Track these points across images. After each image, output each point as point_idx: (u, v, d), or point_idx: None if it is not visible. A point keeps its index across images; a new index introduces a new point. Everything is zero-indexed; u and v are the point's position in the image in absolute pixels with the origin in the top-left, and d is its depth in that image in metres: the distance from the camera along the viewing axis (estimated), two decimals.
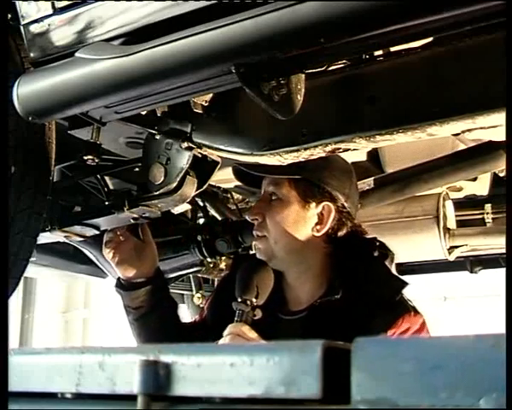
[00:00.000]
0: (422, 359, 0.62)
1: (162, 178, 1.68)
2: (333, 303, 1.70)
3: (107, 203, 1.93)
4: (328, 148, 1.57)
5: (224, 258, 2.45)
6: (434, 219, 2.40)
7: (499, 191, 2.47)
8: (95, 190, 2.01)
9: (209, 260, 2.45)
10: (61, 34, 1.47)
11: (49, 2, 1.46)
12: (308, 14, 1.11)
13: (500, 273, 2.67)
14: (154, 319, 1.89)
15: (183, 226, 2.54)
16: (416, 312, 1.71)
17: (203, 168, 1.75)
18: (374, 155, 2.43)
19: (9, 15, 1.56)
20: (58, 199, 2.00)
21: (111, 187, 2.11)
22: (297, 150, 1.60)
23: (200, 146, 1.71)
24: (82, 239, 2.08)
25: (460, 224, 2.55)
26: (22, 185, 1.60)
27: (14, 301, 5.64)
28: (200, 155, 1.72)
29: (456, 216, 2.53)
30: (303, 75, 1.34)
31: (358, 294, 1.70)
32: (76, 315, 6.60)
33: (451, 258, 2.50)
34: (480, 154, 2.01)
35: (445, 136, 1.53)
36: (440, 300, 5.21)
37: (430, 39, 1.41)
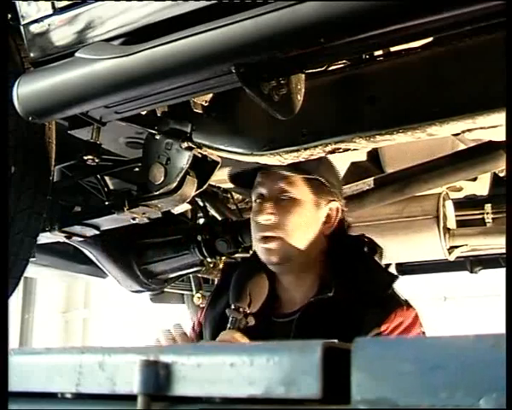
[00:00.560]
0: (422, 359, 0.62)
1: (162, 178, 1.68)
2: (326, 301, 1.69)
3: (107, 203, 1.93)
4: (328, 148, 1.57)
5: (223, 258, 2.44)
6: (434, 219, 2.40)
7: (499, 191, 2.47)
8: (95, 190, 2.01)
9: (209, 260, 2.45)
10: (61, 34, 1.47)
11: (49, 2, 1.46)
12: (308, 14, 1.11)
13: (500, 273, 2.67)
14: None
15: (183, 226, 2.54)
16: (409, 306, 1.71)
17: (203, 168, 1.75)
18: (374, 155, 2.44)
19: (9, 15, 1.56)
20: (58, 199, 2.01)
21: (111, 187, 2.11)
22: (297, 150, 1.60)
23: (200, 146, 1.71)
24: (82, 239, 2.09)
25: (460, 224, 2.55)
26: (22, 185, 1.60)
27: (14, 301, 5.64)
28: (200, 155, 1.72)
29: (456, 216, 2.53)
30: (303, 75, 1.34)
31: (351, 290, 1.69)
32: (76, 315, 6.60)
33: (451, 258, 2.50)
34: (480, 154, 2.01)
35: (445, 136, 1.53)
36: (440, 300, 5.21)
37: (430, 39, 1.41)
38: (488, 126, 1.40)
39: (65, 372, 0.83)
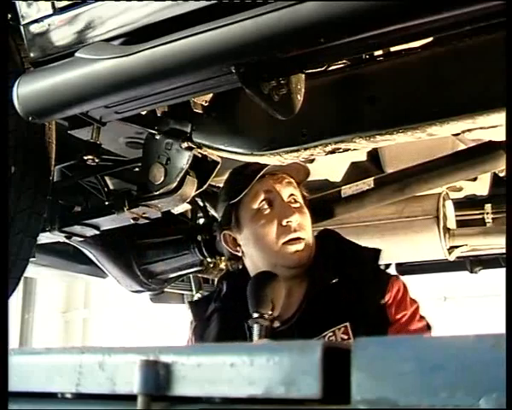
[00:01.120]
0: (422, 359, 0.62)
1: (162, 178, 1.68)
2: (324, 290, 1.71)
3: (107, 203, 1.93)
4: (328, 148, 1.57)
5: (223, 258, 2.44)
6: (434, 219, 2.40)
7: (499, 191, 2.47)
8: (95, 190, 2.02)
9: (209, 260, 2.45)
10: (61, 34, 1.47)
11: (49, 2, 1.46)
12: (308, 14, 1.11)
13: (500, 273, 2.67)
14: None
15: (183, 226, 2.54)
16: (396, 276, 1.82)
17: (203, 168, 1.75)
18: (374, 155, 2.43)
19: (9, 15, 1.56)
20: (58, 199, 2.01)
21: (111, 187, 2.11)
22: (297, 150, 1.60)
23: (200, 146, 1.71)
24: (82, 239, 2.09)
25: (460, 224, 2.55)
26: (22, 185, 1.61)
27: (14, 301, 5.63)
28: (200, 155, 1.72)
29: (456, 216, 2.53)
30: (303, 75, 1.35)
31: (343, 273, 1.72)
32: (76, 315, 6.60)
33: (451, 258, 2.50)
34: (480, 154, 2.01)
35: (445, 136, 1.53)
36: (440, 300, 5.21)
37: (430, 39, 1.41)
38: (488, 126, 1.40)
39: (65, 372, 0.83)
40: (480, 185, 2.47)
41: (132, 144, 2.07)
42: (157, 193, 1.71)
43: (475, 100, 1.37)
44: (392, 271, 2.81)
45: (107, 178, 2.07)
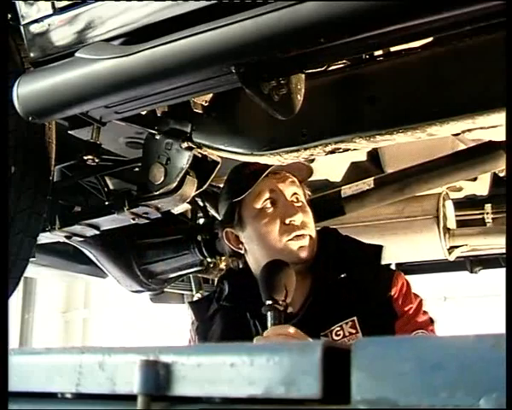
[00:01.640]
0: (422, 359, 0.62)
1: (162, 178, 1.68)
2: (330, 287, 1.73)
3: (107, 203, 1.93)
4: (328, 148, 1.57)
5: (223, 258, 2.44)
6: (434, 219, 2.40)
7: (499, 191, 2.47)
8: (95, 190, 2.01)
9: (209, 260, 2.45)
10: (61, 34, 1.47)
11: (49, 2, 1.46)
12: (308, 14, 1.11)
13: (500, 273, 2.67)
14: None
15: (183, 226, 2.54)
16: (399, 271, 1.89)
17: (203, 168, 1.75)
18: (374, 155, 2.43)
19: (9, 15, 1.56)
20: (58, 199, 2.01)
21: (111, 187, 2.11)
22: (297, 150, 1.60)
23: (200, 146, 1.71)
24: (82, 239, 2.08)
25: (460, 224, 2.55)
26: (22, 185, 1.61)
27: (14, 301, 5.63)
28: (200, 155, 1.72)
29: (456, 216, 2.53)
30: (303, 75, 1.35)
31: (348, 270, 1.75)
32: (76, 315, 6.60)
33: (451, 258, 2.50)
34: (480, 154, 2.01)
35: (445, 136, 1.53)
36: (440, 300, 5.22)
37: (430, 39, 1.41)
38: (488, 126, 1.40)
39: (65, 372, 0.83)
40: (480, 185, 2.47)
41: (132, 144, 2.07)
42: (157, 193, 1.71)
43: (475, 100, 1.37)
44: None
45: (107, 178, 2.07)
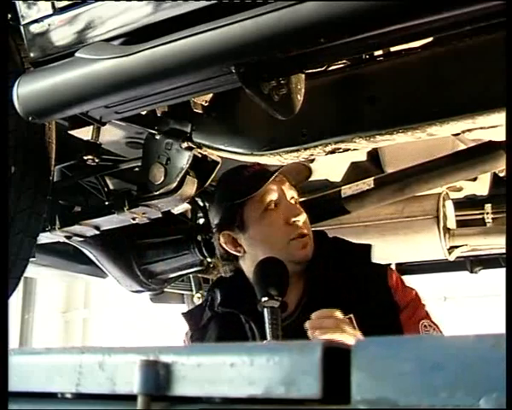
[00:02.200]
0: (422, 359, 0.62)
1: (162, 178, 1.68)
2: (326, 286, 1.74)
3: (107, 203, 1.93)
4: (328, 148, 1.57)
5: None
6: (434, 219, 2.40)
7: (499, 191, 2.47)
8: (95, 190, 2.01)
9: (209, 260, 2.44)
10: (61, 34, 1.47)
11: (49, 2, 1.46)
12: (308, 14, 1.11)
13: (500, 273, 2.67)
14: None
15: (183, 226, 2.54)
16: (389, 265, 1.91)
17: (203, 168, 1.75)
18: (374, 155, 2.43)
19: (9, 15, 1.56)
20: (58, 199, 2.01)
21: (111, 187, 2.11)
22: (297, 150, 1.60)
23: (200, 146, 1.71)
24: (82, 239, 2.08)
25: (460, 224, 2.55)
26: (22, 185, 1.60)
27: (14, 301, 5.63)
28: (200, 155, 1.72)
29: (456, 216, 2.52)
30: (303, 75, 1.34)
31: (342, 268, 1.77)
32: (76, 315, 6.59)
33: (451, 258, 2.50)
34: (479, 154, 2.01)
35: (445, 136, 1.53)
36: (440, 300, 5.21)
37: (430, 39, 1.41)
38: (488, 126, 1.40)
39: (65, 372, 0.83)
40: (480, 185, 2.47)
41: (132, 144, 2.07)
42: (157, 193, 1.71)
43: (475, 100, 1.37)
44: None
45: (107, 178, 2.07)
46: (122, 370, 0.78)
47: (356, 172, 2.43)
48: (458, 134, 1.49)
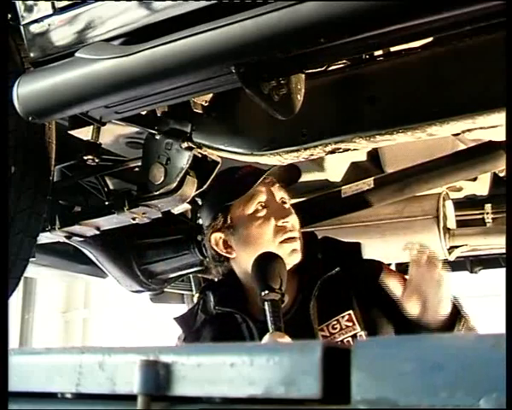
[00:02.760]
0: (422, 359, 0.62)
1: (162, 178, 1.68)
2: (321, 284, 1.75)
3: (107, 203, 1.93)
4: (328, 148, 1.57)
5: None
6: (434, 219, 2.40)
7: (499, 191, 2.47)
8: (95, 190, 2.01)
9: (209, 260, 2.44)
10: (61, 34, 1.47)
11: (49, 2, 1.46)
12: (308, 14, 1.11)
13: (500, 273, 2.67)
14: None
15: (183, 226, 2.53)
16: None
17: (203, 168, 1.75)
18: (374, 155, 2.43)
19: (9, 15, 1.56)
20: (58, 199, 2.01)
21: (111, 187, 2.11)
22: (297, 150, 1.60)
23: (200, 146, 1.71)
24: (82, 239, 2.08)
25: (460, 224, 2.55)
26: (22, 185, 1.60)
27: (14, 301, 5.63)
28: (200, 155, 1.72)
29: (456, 216, 2.52)
30: (303, 75, 1.34)
31: (336, 266, 1.78)
32: (76, 315, 6.59)
33: (451, 258, 2.50)
34: (479, 154, 2.01)
35: (445, 136, 1.53)
36: None
37: (430, 39, 1.41)
38: (488, 126, 1.40)
39: (65, 372, 0.83)
40: (480, 185, 2.47)
41: (132, 144, 2.07)
42: (157, 193, 1.71)
43: (475, 100, 1.37)
44: None
45: (107, 178, 2.07)
46: (122, 370, 0.78)
47: (356, 172, 2.43)
48: (458, 134, 1.49)
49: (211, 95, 1.68)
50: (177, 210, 1.94)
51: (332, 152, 1.59)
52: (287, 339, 1.48)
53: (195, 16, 1.26)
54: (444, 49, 1.41)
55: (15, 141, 1.58)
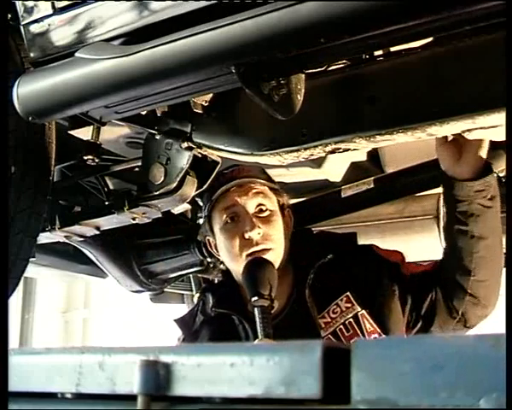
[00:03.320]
0: (422, 359, 0.62)
1: (162, 178, 1.68)
2: (315, 272, 1.76)
3: (107, 203, 1.93)
4: (328, 148, 1.56)
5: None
6: (434, 219, 2.40)
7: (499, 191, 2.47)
8: (95, 190, 2.01)
9: (209, 260, 2.45)
10: (61, 34, 1.47)
11: (49, 3, 1.46)
12: (308, 14, 1.11)
13: None
14: None
15: (183, 226, 2.54)
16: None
17: (203, 168, 1.75)
18: (374, 155, 2.43)
19: (9, 15, 1.56)
20: (58, 199, 2.01)
21: (111, 187, 2.11)
22: (297, 150, 1.60)
23: (200, 146, 1.71)
24: (82, 239, 2.08)
25: None
26: (22, 185, 1.60)
27: (14, 301, 5.63)
28: (200, 155, 1.72)
29: None
30: (303, 75, 1.34)
31: (331, 252, 1.80)
32: (76, 315, 6.59)
33: None
34: None
35: (444, 136, 1.52)
36: None
37: (430, 39, 1.41)
38: (488, 126, 1.39)
39: (65, 372, 0.83)
40: None
41: (132, 144, 2.07)
42: (157, 193, 1.71)
43: (475, 100, 1.37)
44: None
45: (107, 178, 2.07)
46: (122, 370, 0.78)
47: (356, 172, 2.43)
48: (458, 134, 1.49)
49: (211, 95, 1.68)
50: (177, 210, 1.94)
51: (332, 152, 1.59)
52: None
53: (195, 16, 1.26)
54: (444, 49, 1.41)
55: (15, 141, 1.58)
